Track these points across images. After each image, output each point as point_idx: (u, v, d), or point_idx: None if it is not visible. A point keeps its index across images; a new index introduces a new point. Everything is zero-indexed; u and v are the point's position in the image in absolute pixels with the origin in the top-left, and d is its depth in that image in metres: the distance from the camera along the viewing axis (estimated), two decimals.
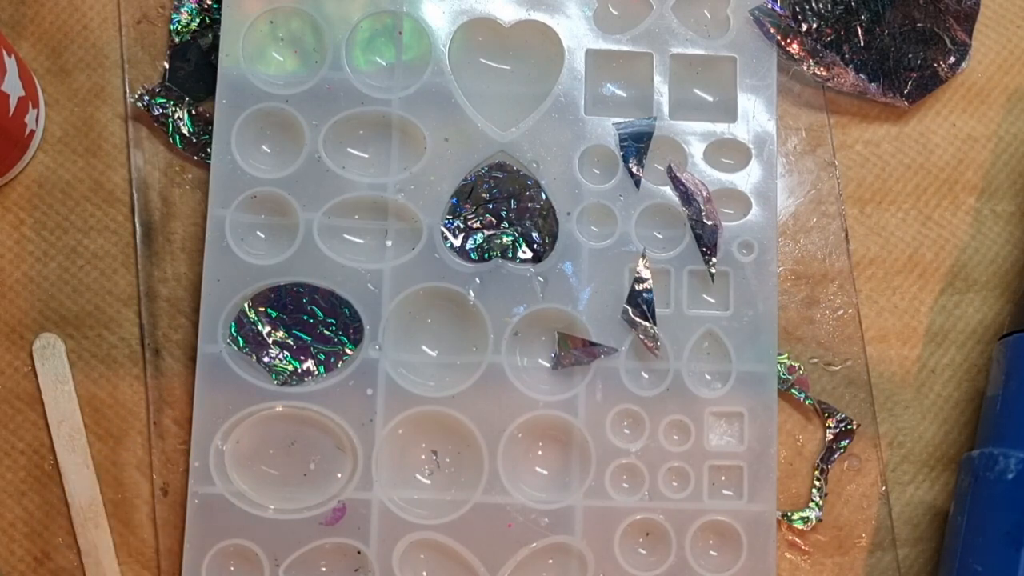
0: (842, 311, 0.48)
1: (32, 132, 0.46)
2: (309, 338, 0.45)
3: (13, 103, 0.43)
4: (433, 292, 0.45)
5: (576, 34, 0.47)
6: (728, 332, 0.46)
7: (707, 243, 0.46)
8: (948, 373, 0.48)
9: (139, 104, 0.47)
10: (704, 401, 0.45)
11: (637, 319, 0.45)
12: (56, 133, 0.47)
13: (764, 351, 0.46)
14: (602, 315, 0.45)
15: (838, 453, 0.47)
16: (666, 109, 0.47)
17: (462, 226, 0.46)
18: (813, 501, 0.46)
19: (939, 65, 0.49)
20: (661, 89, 0.47)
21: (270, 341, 0.45)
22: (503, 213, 0.46)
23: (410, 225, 0.46)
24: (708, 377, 0.46)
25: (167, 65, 0.47)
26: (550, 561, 0.45)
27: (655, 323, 0.45)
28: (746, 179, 0.47)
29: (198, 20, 0.48)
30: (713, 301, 0.46)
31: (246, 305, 0.45)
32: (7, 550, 0.45)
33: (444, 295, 0.45)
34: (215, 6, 0.47)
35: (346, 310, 0.45)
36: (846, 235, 0.48)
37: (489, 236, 0.46)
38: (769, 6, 0.48)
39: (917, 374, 0.48)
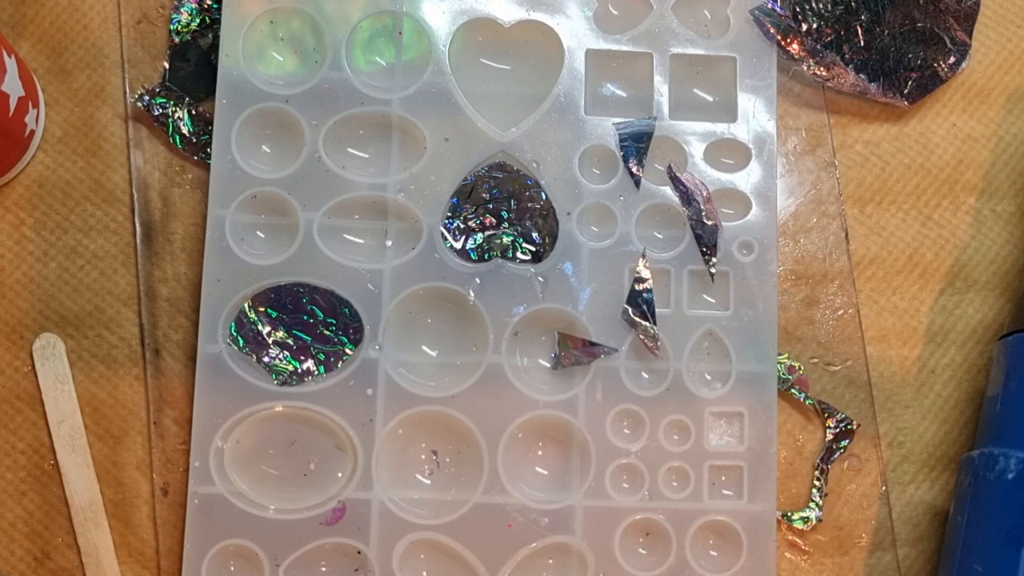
0: (842, 311, 0.48)
1: (32, 132, 0.46)
2: (309, 338, 0.45)
3: (13, 103, 0.43)
4: (433, 292, 0.45)
5: (576, 34, 0.47)
6: (728, 332, 0.46)
7: (707, 243, 0.46)
8: (948, 373, 0.48)
9: (139, 104, 0.47)
10: (704, 401, 0.45)
11: (637, 319, 0.45)
12: (56, 133, 0.47)
13: (764, 351, 0.46)
14: (602, 315, 0.45)
15: (838, 453, 0.47)
16: (666, 109, 0.47)
17: (462, 226, 0.46)
18: (813, 501, 0.46)
19: (939, 65, 0.49)
20: (661, 89, 0.47)
21: (270, 341, 0.45)
22: (503, 213, 0.46)
23: (410, 225, 0.46)
24: (708, 377, 0.46)
25: (167, 65, 0.47)
26: (550, 561, 0.45)
27: (655, 323, 0.45)
28: (746, 179, 0.47)
29: (198, 20, 0.48)
30: (713, 301, 0.46)
31: (246, 305, 0.45)
32: (7, 550, 0.45)
33: (444, 295, 0.45)
34: (215, 6, 0.47)
35: (346, 310, 0.45)
36: (846, 235, 0.48)
37: (489, 236, 0.46)
38: (769, 6, 0.48)
39: (917, 374, 0.48)
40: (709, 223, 0.46)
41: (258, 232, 0.46)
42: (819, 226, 0.48)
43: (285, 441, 0.45)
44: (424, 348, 0.46)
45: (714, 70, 0.48)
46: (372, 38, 0.47)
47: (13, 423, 0.45)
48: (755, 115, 0.47)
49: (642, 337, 0.45)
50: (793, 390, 0.47)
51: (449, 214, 0.46)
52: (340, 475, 0.44)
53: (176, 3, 0.48)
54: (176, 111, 0.47)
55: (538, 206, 0.46)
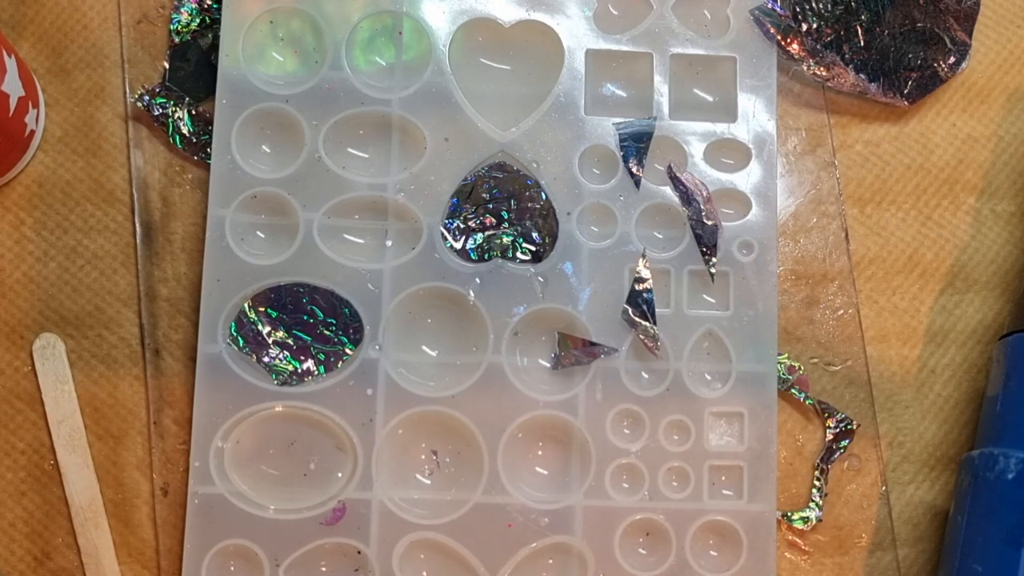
0: (842, 311, 0.48)
1: (32, 132, 0.46)
2: (309, 338, 0.45)
3: (13, 103, 0.43)
4: (433, 292, 0.45)
5: (576, 34, 0.47)
6: (728, 332, 0.46)
7: (707, 243, 0.46)
8: (948, 373, 0.48)
9: (139, 104, 0.47)
10: (704, 401, 0.45)
11: (637, 319, 0.45)
12: (56, 133, 0.47)
13: (764, 351, 0.46)
14: (602, 315, 0.45)
15: (838, 453, 0.47)
16: (666, 109, 0.47)
17: (462, 226, 0.46)
18: (813, 501, 0.46)
19: (939, 65, 0.49)
20: (661, 89, 0.47)
21: (270, 341, 0.45)
22: (503, 213, 0.46)
23: (410, 225, 0.46)
24: (708, 377, 0.46)
25: (167, 65, 0.47)
26: (550, 561, 0.45)
27: (655, 323, 0.45)
28: (746, 179, 0.47)
29: (198, 20, 0.48)
30: (713, 301, 0.46)
31: (246, 305, 0.45)
32: (7, 550, 0.45)
33: (444, 295, 0.45)
34: (215, 6, 0.47)
35: (346, 310, 0.45)
36: (846, 235, 0.48)
37: (489, 236, 0.46)
38: (769, 6, 0.48)
39: (917, 374, 0.48)
40: (709, 223, 0.46)
41: (258, 232, 0.46)
42: (819, 226, 0.48)
43: (285, 441, 0.45)
44: (424, 348, 0.46)
45: (714, 70, 0.48)
46: (372, 38, 0.47)
47: (13, 423, 0.45)
48: (755, 115, 0.47)
49: (642, 337, 0.45)
50: (793, 390, 0.47)
51: (449, 214, 0.46)
52: (340, 475, 0.44)
53: (176, 3, 0.48)
54: (176, 111, 0.47)
55: (538, 206, 0.46)
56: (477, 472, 0.44)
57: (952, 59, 0.49)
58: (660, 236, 0.46)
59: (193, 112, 0.47)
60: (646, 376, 0.45)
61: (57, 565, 0.45)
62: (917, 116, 0.50)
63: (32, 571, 0.45)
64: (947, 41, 0.49)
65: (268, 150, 0.46)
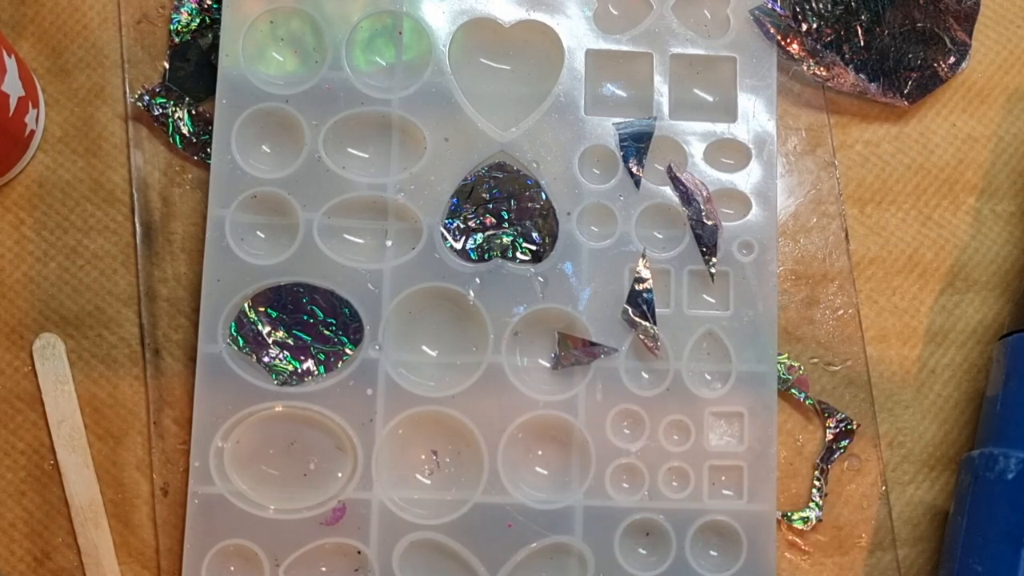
0: (842, 311, 0.48)
1: (32, 132, 0.46)
2: (309, 338, 0.45)
3: (13, 103, 0.43)
4: (433, 292, 0.45)
5: (576, 34, 0.47)
6: (728, 332, 0.46)
7: (707, 243, 0.46)
8: (948, 373, 0.48)
9: (139, 104, 0.47)
10: (704, 401, 0.45)
11: (637, 319, 0.45)
12: (56, 133, 0.47)
13: (764, 351, 0.46)
14: (602, 315, 0.45)
15: (838, 453, 0.47)
16: (666, 109, 0.47)
17: (462, 226, 0.46)
18: (813, 501, 0.46)
19: (939, 65, 0.49)
20: (661, 89, 0.47)
21: (270, 341, 0.45)
22: (503, 213, 0.46)
23: (410, 225, 0.46)
24: (708, 377, 0.46)
25: (167, 65, 0.47)
26: (550, 561, 0.45)
27: (655, 323, 0.45)
28: (746, 179, 0.47)
29: (198, 20, 0.48)
30: (713, 301, 0.46)
31: (246, 305, 0.45)
32: (7, 550, 0.45)
33: (444, 295, 0.45)
34: (215, 6, 0.47)
35: (346, 310, 0.45)
36: (846, 235, 0.48)
37: (489, 236, 0.46)
38: (769, 6, 0.48)
39: (917, 374, 0.48)
40: (709, 223, 0.46)
41: (258, 232, 0.46)
42: (819, 226, 0.48)
43: (285, 441, 0.45)
44: (424, 348, 0.46)
45: (714, 70, 0.48)
46: (372, 38, 0.47)
47: (13, 423, 0.45)
48: (755, 115, 0.47)
49: (642, 337, 0.45)
50: (793, 390, 0.47)
51: (449, 214, 0.46)
52: (340, 475, 0.44)
53: (176, 3, 0.48)
54: (176, 111, 0.47)
55: (538, 206, 0.46)
56: (477, 472, 0.44)
57: (952, 59, 0.49)
58: (660, 236, 0.46)
59: (193, 112, 0.47)
60: (646, 376, 0.45)
61: (57, 565, 0.45)
62: (917, 116, 0.50)
63: (32, 571, 0.45)
64: (947, 41, 0.49)
65: (268, 150, 0.46)
